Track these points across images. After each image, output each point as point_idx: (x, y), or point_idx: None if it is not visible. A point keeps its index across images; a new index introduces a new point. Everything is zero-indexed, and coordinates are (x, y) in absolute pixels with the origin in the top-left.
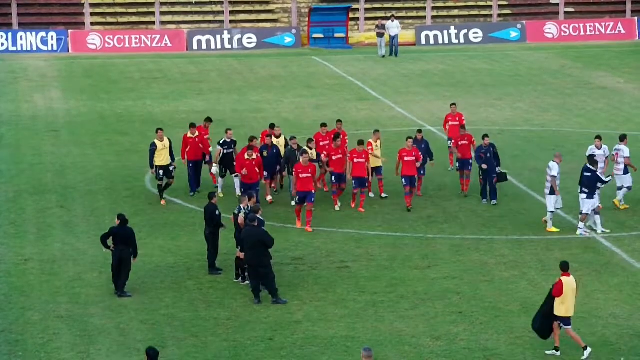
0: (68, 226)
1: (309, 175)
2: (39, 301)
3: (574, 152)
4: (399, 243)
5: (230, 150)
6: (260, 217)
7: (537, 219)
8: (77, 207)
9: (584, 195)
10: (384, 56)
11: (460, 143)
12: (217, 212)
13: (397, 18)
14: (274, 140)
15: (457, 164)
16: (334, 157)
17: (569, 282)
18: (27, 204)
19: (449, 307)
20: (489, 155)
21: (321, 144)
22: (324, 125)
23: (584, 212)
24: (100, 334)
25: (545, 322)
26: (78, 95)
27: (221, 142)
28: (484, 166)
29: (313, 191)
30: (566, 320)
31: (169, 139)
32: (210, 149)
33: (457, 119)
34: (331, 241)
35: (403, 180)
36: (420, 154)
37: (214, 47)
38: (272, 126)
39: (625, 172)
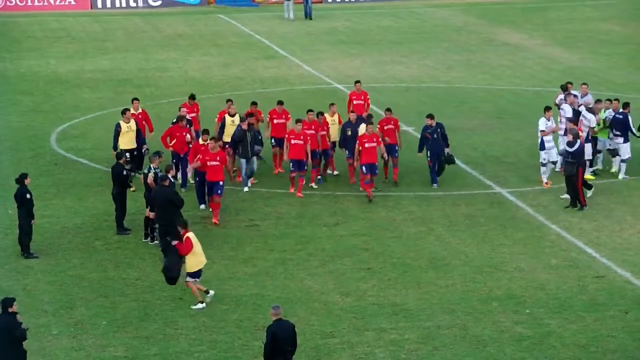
0: None
1: (301, 142)
2: None
3: (479, 109)
4: (307, 201)
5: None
6: (171, 178)
7: (444, 174)
8: None
9: (621, 140)
10: (292, 20)
11: (385, 127)
12: (125, 172)
13: None
14: (229, 119)
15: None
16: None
17: (193, 236)
18: None
19: (357, 263)
20: (435, 136)
21: (275, 121)
22: (280, 102)
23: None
24: (7, 295)
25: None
26: None
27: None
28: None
29: (304, 160)
30: (197, 274)
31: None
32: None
33: (362, 97)
34: (239, 199)
35: (363, 168)
36: (380, 139)
37: (119, 5)
38: (228, 100)
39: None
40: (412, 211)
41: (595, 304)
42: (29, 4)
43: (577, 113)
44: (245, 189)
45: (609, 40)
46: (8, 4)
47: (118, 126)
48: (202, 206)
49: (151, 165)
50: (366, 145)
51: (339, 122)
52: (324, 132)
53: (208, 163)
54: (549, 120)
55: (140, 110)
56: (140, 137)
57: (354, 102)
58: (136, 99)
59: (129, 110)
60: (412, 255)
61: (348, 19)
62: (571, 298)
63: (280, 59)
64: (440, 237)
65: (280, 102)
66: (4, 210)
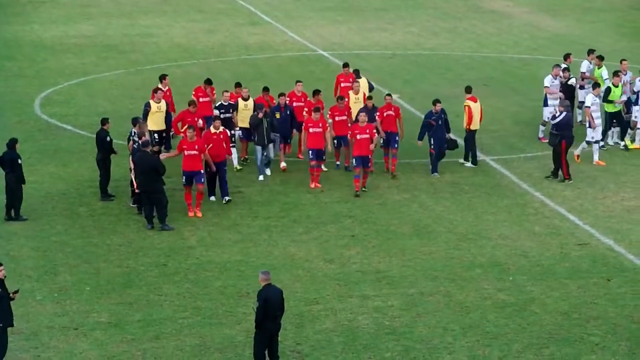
0: None
1: (320, 130)
2: None
3: (463, 76)
4: (291, 168)
5: (229, 115)
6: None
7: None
8: None
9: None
10: None
11: (385, 114)
12: (108, 138)
13: None
14: (242, 103)
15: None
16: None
17: None
18: None
19: (341, 230)
20: (440, 122)
21: (294, 104)
22: (299, 81)
23: None
24: None
25: None
26: None
27: (217, 104)
28: (450, 136)
29: (323, 149)
30: None
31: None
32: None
33: (351, 80)
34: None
35: (354, 160)
36: (374, 131)
37: None
38: (237, 85)
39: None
40: (397, 178)
41: (577, 271)
42: None
43: (568, 86)
44: (261, 177)
45: (594, 7)
46: None
47: (147, 105)
48: (212, 197)
49: (134, 130)
50: (358, 137)
51: (364, 100)
52: (344, 117)
53: (186, 152)
54: (555, 78)
55: (164, 87)
56: (169, 118)
57: (342, 84)
58: (165, 75)
59: (161, 90)
60: (396, 223)
61: None
62: (554, 265)
63: (265, 25)
64: (424, 205)
65: (299, 82)
66: None
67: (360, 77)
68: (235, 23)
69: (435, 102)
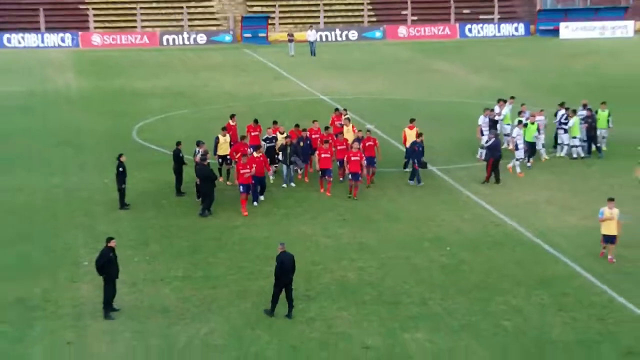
0: (78, 166)
1: (328, 155)
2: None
3: (420, 112)
4: (300, 178)
5: (272, 144)
6: (209, 158)
7: (393, 157)
8: (87, 152)
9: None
10: (293, 56)
11: (367, 144)
12: (181, 154)
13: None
14: (280, 136)
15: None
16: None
17: None
18: (52, 153)
19: (336, 216)
20: (420, 149)
21: (313, 136)
22: (315, 120)
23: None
24: (109, 235)
25: None
26: (86, 77)
27: (264, 138)
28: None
29: (330, 168)
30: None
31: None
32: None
33: (342, 118)
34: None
35: (350, 176)
36: (362, 154)
37: (177, 43)
38: (274, 122)
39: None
40: (373, 182)
41: (494, 243)
42: (118, 42)
43: (494, 122)
44: (284, 185)
45: (507, 68)
46: (105, 42)
47: (217, 138)
48: (255, 203)
49: (198, 149)
50: (352, 158)
51: (353, 130)
52: (344, 147)
53: (241, 171)
54: (486, 117)
55: (233, 122)
56: (231, 146)
57: (336, 123)
58: (234, 115)
59: (229, 123)
60: (373, 211)
61: (330, 53)
62: (478, 239)
63: (286, 80)
64: (392, 199)
65: (315, 121)
66: (100, 181)
67: (347, 114)
68: (266, 78)
69: (420, 134)
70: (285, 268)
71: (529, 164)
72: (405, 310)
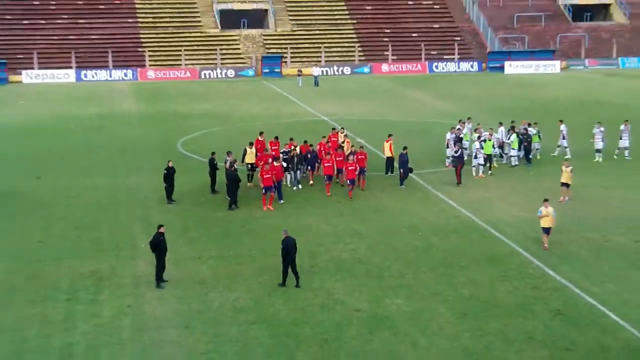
0: (137, 170)
1: (330, 164)
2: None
3: (397, 130)
4: (306, 184)
5: (288, 156)
6: (236, 165)
7: (377, 164)
8: (143, 159)
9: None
10: (301, 87)
11: (359, 157)
12: (215, 162)
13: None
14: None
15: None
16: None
17: None
18: (117, 161)
19: (334, 210)
20: (406, 159)
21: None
22: (324, 136)
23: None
24: (159, 223)
25: None
26: (144, 103)
27: (282, 151)
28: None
29: (332, 174)
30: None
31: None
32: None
33: (338, 135)
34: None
35: (348, 181)
36: (357, 165)
37: (212, 76)
38: (291, 139)
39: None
40: (357, 187)
41: (455, 229)
42: (168, 76)
43: (459, 138)
44: (295, 188)
45: (464, 96)
46: (157, 76)
47: (245, 150)
48: (281, 201)
49: (228, 158)
50: (349, 168)
51: (347, 143)
52: (341, 158)
53: (265, 176)
54: (452, 134)
55: (262, 138)
56: (257, 156)
57: (332, 139)
58: (262, 132)
59: (258, 139)
60: (363, 205)
61: (329, 84)
62: (443, 226)
63: (294, 104)
64: (377, 197)
65: (324, 137)
66: (149, 181)
67: (344, 131)
68: (279, 103)
69: (404, 148)
70: (289, 250)
71: (490, 171)
72: (387, 282)
